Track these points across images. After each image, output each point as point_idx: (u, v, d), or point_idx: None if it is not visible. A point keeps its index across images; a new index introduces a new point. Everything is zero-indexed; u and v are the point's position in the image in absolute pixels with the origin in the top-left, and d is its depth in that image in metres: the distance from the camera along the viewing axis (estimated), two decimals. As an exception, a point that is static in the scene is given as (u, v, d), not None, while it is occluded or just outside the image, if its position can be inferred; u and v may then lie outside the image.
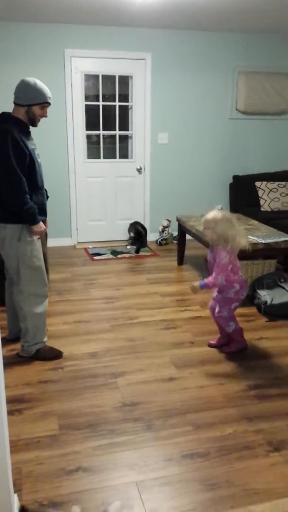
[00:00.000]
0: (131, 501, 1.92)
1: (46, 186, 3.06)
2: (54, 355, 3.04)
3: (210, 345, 3.26)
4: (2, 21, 4.97)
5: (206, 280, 2.98)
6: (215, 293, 3.17)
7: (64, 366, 2.96)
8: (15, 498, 1.81)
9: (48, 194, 3.13)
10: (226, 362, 3.03)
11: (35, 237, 2.84)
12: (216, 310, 3.13)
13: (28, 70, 5.01)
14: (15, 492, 1.88)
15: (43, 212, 2.95)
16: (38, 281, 2.93)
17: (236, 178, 5.86)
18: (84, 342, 3.28)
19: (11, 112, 2.85)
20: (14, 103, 2.83)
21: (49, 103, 2.87)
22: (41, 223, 2.83)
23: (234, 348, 3.18)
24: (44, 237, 3.20)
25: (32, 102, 2.80)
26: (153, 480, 2.03)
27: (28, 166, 2.79)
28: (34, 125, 2.91)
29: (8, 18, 4.90)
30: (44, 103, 2.84)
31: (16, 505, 1.80)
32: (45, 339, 3.07)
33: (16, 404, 2.54)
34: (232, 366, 2.99)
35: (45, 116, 2.91)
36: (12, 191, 2.71)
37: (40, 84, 2.82)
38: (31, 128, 2.93)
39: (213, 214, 2.97)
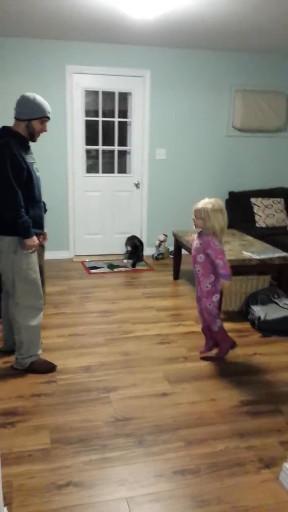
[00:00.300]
0: (121, 516, 1.93)
1: (44, 199, 3.10)
2: (48, 368, 3.05)
3: (201, 353, 3.33)
4: (4, 36, 5.06)
5: (223, 272, 3.04)
6: (197, 287, 3.24)
7: (57, 379, 2.97)
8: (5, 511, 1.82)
9: (47, 208, 3.17)
10: (219, 378, 3.05)
11: (30, 250, 2.87)
12: (202, 306, 3.22)
13: (29, 85, 5.08)
14: (5, 505, 1.89)
15: (39, 225, 2.99)
16: (33, 294, 2.95)
17: (232, 194, 5.91)
18: (78, 356, 3.30)
19: (11, 126, 2.90)
20: (15, 118, 2.88)
21: (48, 118, 2.92)
22: (34, 238, 2.85)
23: (225, 350, 3.26)
24: (41, 249, 3.22)
25: (32, 117, 2.84)
26: (143, 496, 2.04)
27: (26, 180, 2.83)
28: (34, 140, 2.95)
29: (11, 34, 4.99)
30: (44, 118, 2.89)
31: (6, 519, 1.81)
32: (39, 352, 3.08)
33: (9, 417, 2.55)
34: (225, 382, 3.00)
35: (45, 131, 2.96)
36: (7, 204, 2.74)
37: (40, 99, 2.87)
38: (31, 143, 2.97)
39: (204, 204, 3.03)
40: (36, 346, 3.04)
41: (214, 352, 3.34)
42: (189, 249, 4.58)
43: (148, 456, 2.29)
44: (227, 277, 3.06)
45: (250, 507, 1.98)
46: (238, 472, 2.19)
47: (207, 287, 3.14)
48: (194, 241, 3.20)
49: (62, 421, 2.55)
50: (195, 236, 3.21)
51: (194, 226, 3.15)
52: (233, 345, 3.32)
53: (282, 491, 2.08)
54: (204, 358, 3.30)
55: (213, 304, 3.17)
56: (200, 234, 3.14)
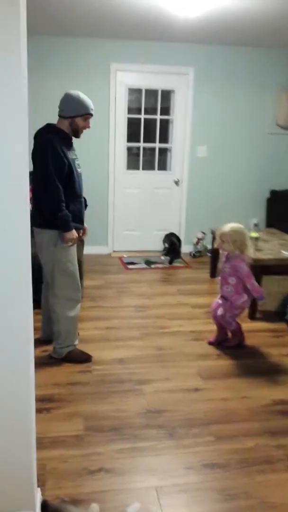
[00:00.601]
0: (150, 505, 1.98)
1: (85, 195, 3.17)
2: (84, 358, 3.14)
3: (210, 343, 3.48)
4: (52, 35, 5.19)
5: (255, 295, 3.28)
6: (220, 299, 3.42)
7: (92, 369, 3.06)
8: (38, 492, 1.90)
9: (87, 203, 3.24)
10: (252, 376, 3.05)
11: (68, 243, 2.95)
12: (219, 312, 3.37)
13: (74, 83, 5.17)
14: (38, 486, 1.97)
15: (79, 220, 3.07)
16: (71, 286, 3.04)
17: (273, 193, 5.85)
18: (113, 348, 3.37)
19: (55, 123, 2.99)
20: (59, 115, 2.97)
21: (91, 115, 2.99)
22: (73, 231, 2.93)
23: (234, 343, 3.46)
24: (80, 244, 3.31)
25: (75, 114, 2.93)
26: (172, 486, 2.08)
27: (67, 176, 2.91)
28: (78, 136, 3.03)
29: (58, 33, 5.11)
30: (87, 115, 2.96)
31: (38, 498, 1.88)
32: (76, 342, 3.17)
33: (45, 403, 2.64)
34: (257, 380, 2.99)
35: (88, 127, 3.03)
36: (48, 197, 2.84)
37: (83, 96, 2.95)
38: (75, 140, 3.06)
39: (229, 227, 3.26)
40: (73, 336, 3.13)
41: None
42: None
43: (178, 448, 2.33)
44: (260, 298, 3.31)
45: (277, 504, 1.99)
46: (267, 469, 2.20)
47: (237, 302, 3.33)
48: (223, 262, 3.38)
49: (96, 409, 2.62)
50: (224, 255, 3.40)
51: (221, 250, 3.39)
52: (242, 341, 3.48)
53: (311, 491, 2.07)
54: (210, 343, 3.50)
55: (232, 316, 3.38)
56: (227, 258, 3.32)
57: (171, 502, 1.99)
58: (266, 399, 2.78)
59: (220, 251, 3.49)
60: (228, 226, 3.27)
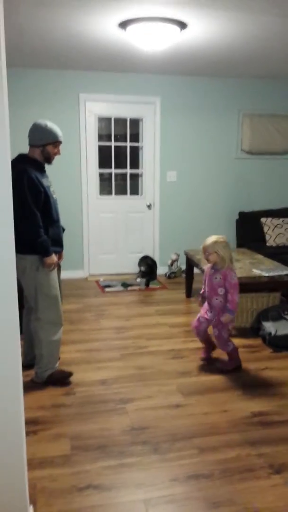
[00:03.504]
0: (139, 517, 2.04)
1: (61, 220, 3.28)
2: (64, 376, 3.20)
3: (203, 359, 3.61)
4: (23, 67, 5.35)
5: (230, 306, 3.27)
6: (207, 314, 3.42)
7: (76, 391, 3.11)
8: (31, 510, 1.94)
9: (64, 227, 3.36)
10: (231, 391, 3.16)
11: (49, 268, 3.04)
12: (215, 333, 3.40)
13: (45, 113, 5.35)
14: (30, 504, 2.01)
15: (59, 244, 3.18)
16: (54, 310, 3.11)
17: (242, 214, 6.07)
18: (95, 370, 3.44)
19: (27, 153, 3.11)
20: (29, 144, 3.10)
21: (61, 141, 3.14)
22: (53, 255, 3.03)
23: (231, 366, 3.45)
24: (57, 268, 3.41)
25: (45, 142, 3.06)
26: (159, 498, 2.15)
27: (44, 202, 3.03)
28: (50, 162, 3.16)
29: (28, 65, 5.28)
30: (57, 142, 3.11)
31: (31, 516, 1.93)
32: (57, 365, 3.23)
33: (31, 426, 2.69)
34: (236, 395, 3.11)
35: (59, 154, 3.17)
36: (26, 224, 2.93)
37: (51, 124, 3.09)
38: (47, 167, 3.19)
39: (213, 239, 3.30)
40: (55, 360, 3.19)
41: (223, 360, 3.55)
42: (201, 268, 4.74)
43: (163, 462, 2.40)
44: (231, 312, 3.30)
45: (260, 508, 2.09)
46: (249, 477, 2.30)
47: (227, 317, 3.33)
48: (211, 274, 3.37)
49: (81, 430, 2.68)
50: (208, 267, 3.42)
51: (207, 262, 3.39)
52: (239, 366, 3.47)
53: (291, 494, 2.18)
54: (205, 360, 3.61)
55: (228, 332, 3.41)
56: (216, 269, 3.34)
57: (159, 513, 2.07)
58: (245, 412, 2.89)
59: (203, 266, 3.50)
60: (211, 239, 3.29)
